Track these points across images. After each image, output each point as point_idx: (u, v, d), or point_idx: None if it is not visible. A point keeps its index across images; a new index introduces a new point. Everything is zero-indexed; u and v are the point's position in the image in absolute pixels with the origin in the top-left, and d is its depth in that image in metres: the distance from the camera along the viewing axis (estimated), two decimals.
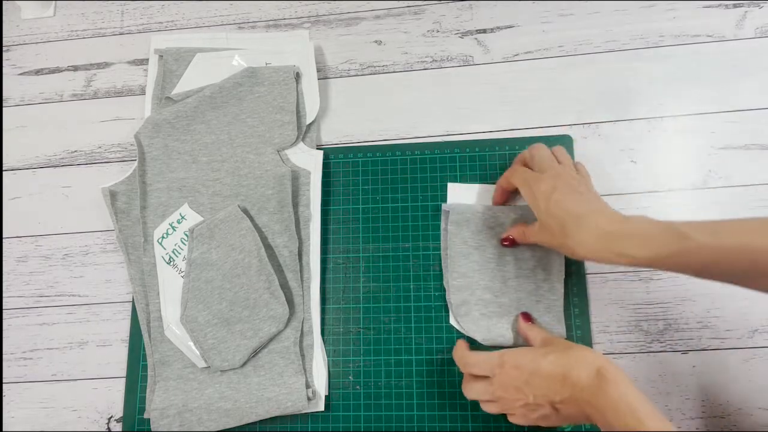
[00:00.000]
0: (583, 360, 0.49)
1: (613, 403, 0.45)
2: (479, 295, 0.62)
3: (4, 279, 0.72)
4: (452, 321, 0.63)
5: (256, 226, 0.67)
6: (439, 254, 0.65)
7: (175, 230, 0.68)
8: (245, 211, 0.67)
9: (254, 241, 0.65)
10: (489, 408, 0.55)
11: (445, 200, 0.67)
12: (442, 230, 0.65)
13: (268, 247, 0.66)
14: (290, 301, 0.65)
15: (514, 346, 0.61)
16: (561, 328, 0.61)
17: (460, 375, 0.62)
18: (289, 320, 0.65)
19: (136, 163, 0.70)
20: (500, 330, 0.61)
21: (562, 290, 0.62)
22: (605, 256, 0.50)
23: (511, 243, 0.62)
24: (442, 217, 0.65)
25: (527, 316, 0.60)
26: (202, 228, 0.66)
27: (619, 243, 0.50)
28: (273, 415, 0.62)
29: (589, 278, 0.64)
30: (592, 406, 0.47)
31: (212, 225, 0.66)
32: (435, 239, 0.66)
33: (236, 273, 0.65)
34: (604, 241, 0.50)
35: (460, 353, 0.57)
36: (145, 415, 0.64)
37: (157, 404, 0.63)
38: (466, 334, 0.62)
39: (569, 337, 0.62)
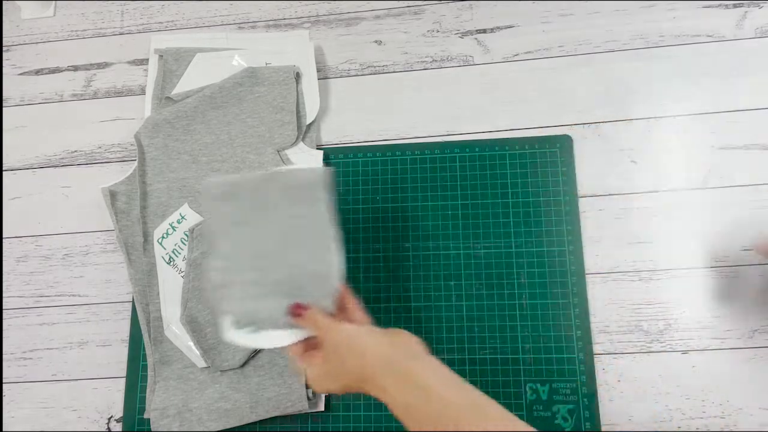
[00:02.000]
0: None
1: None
2: (243, 278, 0.52)
3: (4, 279, 0.72)
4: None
5: None
6: (440, 254, 0.65)
7: (175, 230, 0.68)
8: None
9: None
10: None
11: (444, 200, 0.67)
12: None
13: None
14: None
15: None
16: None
17: (460, 375, 0.62)
18: None
19: (136, 163, 0.70)
20: (268, 310, 0.51)
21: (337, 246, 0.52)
22: None
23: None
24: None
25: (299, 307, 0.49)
26: (202, 228, 0.66)
27: None
28: (273, 415, 0.62)
29: (589, 278, 0.64)
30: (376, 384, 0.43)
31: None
32: (435, 239, 0.66)
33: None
34: None
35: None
36: (145, 415, 0.64)
37: (157, 404, 0.63)
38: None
39: (568, 337, 0.62)
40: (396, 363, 0.43)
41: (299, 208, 0.52)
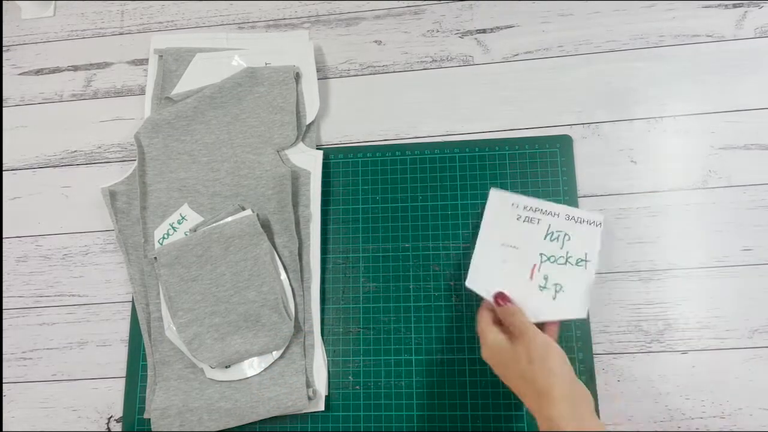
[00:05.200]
0: None
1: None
2: (208, 323, 0.63)
3: (4, 279, 0.72)
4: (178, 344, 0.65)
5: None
6: (440, 254, 0.65)
7: (176, 230, 0.68)
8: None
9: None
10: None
11: (444, 200, 0.67)
12: (157, 276, 0.65)
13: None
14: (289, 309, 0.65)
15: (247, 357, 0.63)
16: (289, 324, 0.63)
17: (460, 375, 0.62)
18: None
19: (136, 163, 0.70)
20: (235, 347, 0.62)
21: (280, 286, 0.64)
22: None
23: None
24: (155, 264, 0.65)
25: (502, 297, 0.57)
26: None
27: None
28: (273, 415, 0.62)
29: None
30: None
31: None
32: (435, 239, 0.66)
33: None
34: None
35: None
36: (146, 416, 0.64)
37: (157, 404, 0.63)
38: (201, 363, 0.63)
39: (568, 337, 0.62)
40: (579, 415, 0.49)
41: (240, 254, 0.64)
